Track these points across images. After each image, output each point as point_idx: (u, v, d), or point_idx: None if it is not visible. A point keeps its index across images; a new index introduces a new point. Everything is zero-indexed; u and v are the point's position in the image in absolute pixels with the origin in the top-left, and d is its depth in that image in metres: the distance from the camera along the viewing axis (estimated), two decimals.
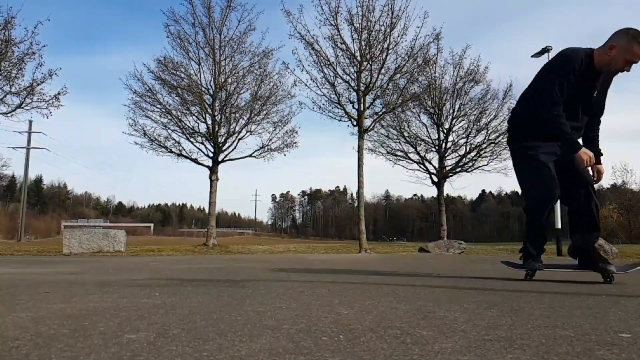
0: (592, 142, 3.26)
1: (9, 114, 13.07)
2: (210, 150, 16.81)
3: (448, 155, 21.11)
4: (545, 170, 3.10)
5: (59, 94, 13.33)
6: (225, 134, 16.73)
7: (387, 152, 21.08)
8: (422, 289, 2.64)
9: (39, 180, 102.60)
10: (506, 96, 20.40)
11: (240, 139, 16.91)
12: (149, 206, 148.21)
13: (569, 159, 3.07)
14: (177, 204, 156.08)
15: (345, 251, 13.02)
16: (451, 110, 20.90)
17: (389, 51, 13.42)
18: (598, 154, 3.23)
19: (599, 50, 3.06)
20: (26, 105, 13.12)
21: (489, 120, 20.58)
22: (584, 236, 3.13)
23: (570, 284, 2.97)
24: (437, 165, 20.95)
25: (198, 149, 16.89)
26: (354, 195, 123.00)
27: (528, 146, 3.18)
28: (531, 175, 3.19)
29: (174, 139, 16.76)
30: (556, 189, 3.10)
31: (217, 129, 16.52)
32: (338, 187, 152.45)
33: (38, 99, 13.14)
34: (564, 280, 3.20)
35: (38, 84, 12.99)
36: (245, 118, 16.88)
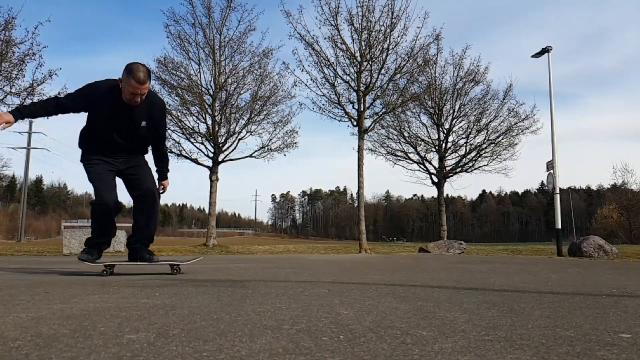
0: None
1: None
2: (210, 151, 16.83)
3: (448, 156, 21.11)
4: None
5: (59, 94, 13.34)
6: (225, 134, 16.74)
7: (387, 152, 21.09)
8: (422, 289, 2.64)
9: (39, 181, 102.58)
10: (506, 96, 20.42)
11: (240, 139, 16.93)
12: None
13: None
14: (177, 204, 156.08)
15: (345, 251, 13.02)
16: (451, 111, 20.90)
17: (389, 51, 13.43)
18: (163, 177, 3.90)
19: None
20: None
21: (489, 120, 20.60)
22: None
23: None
24: (437, 166, 20.95)
25: (198, 149, 16.91)
26: (354, 196, 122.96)
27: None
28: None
29: (173, 139, 16.77)
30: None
31: (217, 129, 16.52)
32: (338, 187, 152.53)
33: (38, 99, 13.15)
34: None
35: (38, 84, 13.00)
36: (245, 118, 16.89)
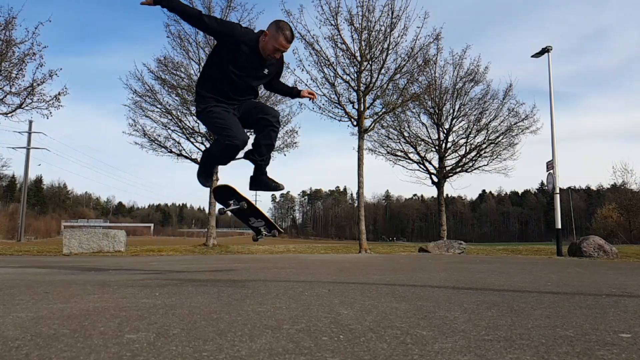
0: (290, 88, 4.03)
1: (9, 114, 13.08)
2: None
3: (448, 156, 21.11)
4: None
5: (59, 94, 13.35)
6: None
7: (387, 152, 21.08)
8: (422, 289, 2.63)
9: (39, 180, 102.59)
10: (506, 96, 20.43)
11: None
12: (149, 206, 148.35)
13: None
14: (177, 204, 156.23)
15: (345, 251, 13.02)
16: (451, 111, 20.91)
17: (389, 51, 13.43)
18: (298, 90, 3.99)
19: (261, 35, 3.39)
20: (26, 106, 13.13)
21: (489, 120, 20.60)
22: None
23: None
24: (437, 165, 20.95)
25: (198, 149, 16.91)
26: (354, 195, 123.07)
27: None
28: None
29: (173, 139, 16.79)
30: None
31: None
32: (338, 187, 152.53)
33: (38, 99, 13.16)
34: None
35: (38, 85, 13.01)
36: None
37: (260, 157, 3.66)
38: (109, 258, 7.64)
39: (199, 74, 3.67)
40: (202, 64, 3.65)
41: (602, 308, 1.94)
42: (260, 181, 3.70)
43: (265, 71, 3.52)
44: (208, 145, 16.76)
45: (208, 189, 16.55)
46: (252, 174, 3.76)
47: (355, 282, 2.97)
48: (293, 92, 3.98)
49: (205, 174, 3.72)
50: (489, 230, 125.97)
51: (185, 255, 9.20)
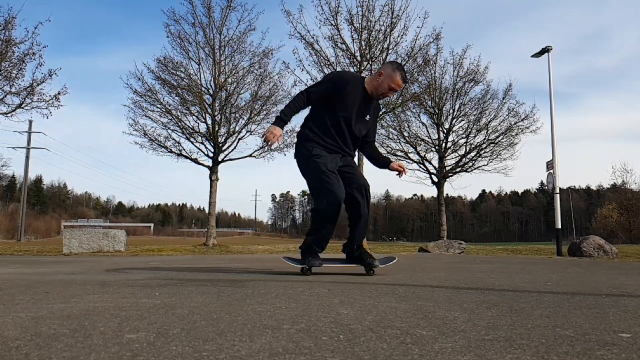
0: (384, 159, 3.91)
1: (9, 114, 13.09)
2: (210, 150, 16.83)
3: (448, 155, 21.12)
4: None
5: (59, 93, 13.37)
6: (225, 134, 16.75)
7: (387, 152, 21.07)
8: (422, 289, 2.63)
9: (39, 180, 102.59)
10: (506, 96, 20.45)
11: (240, 139, 16.95)
12: (149, 206, 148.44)
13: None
14: (177, 204, 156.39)
15: None
16: (451, 110, 20.92)
17: (389, 51, 13.45)
18: (389, 161, 3.91)
19: (370, 78, 3.52)
20: (26, 105, 13.16)
21: (489, 120, 20.62)
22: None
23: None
24: (437, 165, 20.95)
25: (198, 149, 16.92)
26: None
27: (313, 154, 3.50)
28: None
29: (174, 139, 16.79)
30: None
31: (217, 128, 16.53)
32: None
33: (38, 99, 13.19)
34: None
35: (38, 84, 13.03)
36: (245, 118, 16.91)
37: (355, 244, 3.66)
38: (109, 258, 7.64)
39: (307, 114, 3.71)
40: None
41: (602, 308, 1.94)
42: (355, 258, 3.66)
43: (367, 117, 3.57)
44: (208, 144, 16.75)
45: (208, 188, 16.56)
46: (348, 247, 3.71)
47: (355, 282, 2.97)
48: (384, 162, 3.90)
49: (313, 243, 3.54)
50: (489, 230, 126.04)
51: (185, 255, 9.19)
